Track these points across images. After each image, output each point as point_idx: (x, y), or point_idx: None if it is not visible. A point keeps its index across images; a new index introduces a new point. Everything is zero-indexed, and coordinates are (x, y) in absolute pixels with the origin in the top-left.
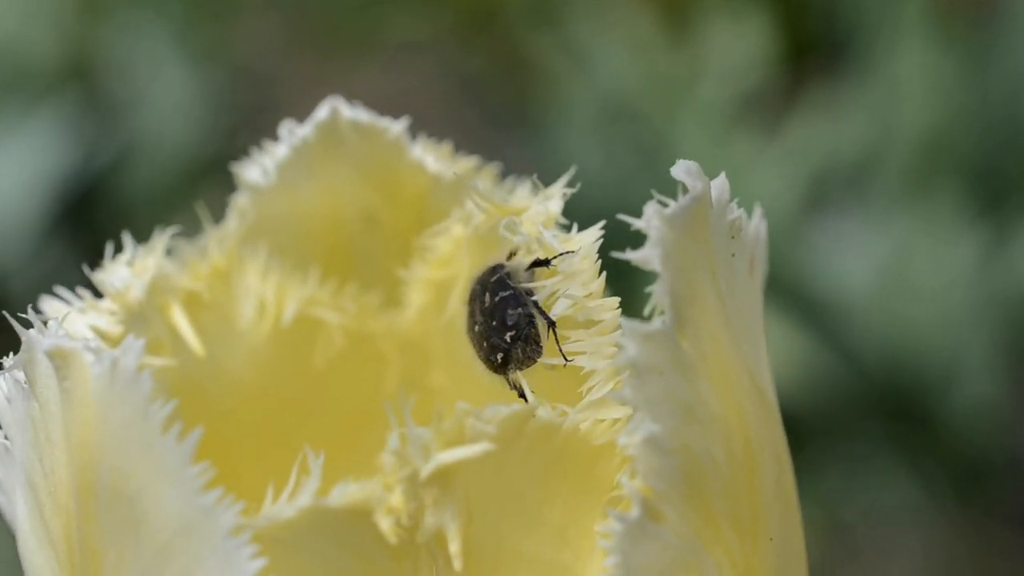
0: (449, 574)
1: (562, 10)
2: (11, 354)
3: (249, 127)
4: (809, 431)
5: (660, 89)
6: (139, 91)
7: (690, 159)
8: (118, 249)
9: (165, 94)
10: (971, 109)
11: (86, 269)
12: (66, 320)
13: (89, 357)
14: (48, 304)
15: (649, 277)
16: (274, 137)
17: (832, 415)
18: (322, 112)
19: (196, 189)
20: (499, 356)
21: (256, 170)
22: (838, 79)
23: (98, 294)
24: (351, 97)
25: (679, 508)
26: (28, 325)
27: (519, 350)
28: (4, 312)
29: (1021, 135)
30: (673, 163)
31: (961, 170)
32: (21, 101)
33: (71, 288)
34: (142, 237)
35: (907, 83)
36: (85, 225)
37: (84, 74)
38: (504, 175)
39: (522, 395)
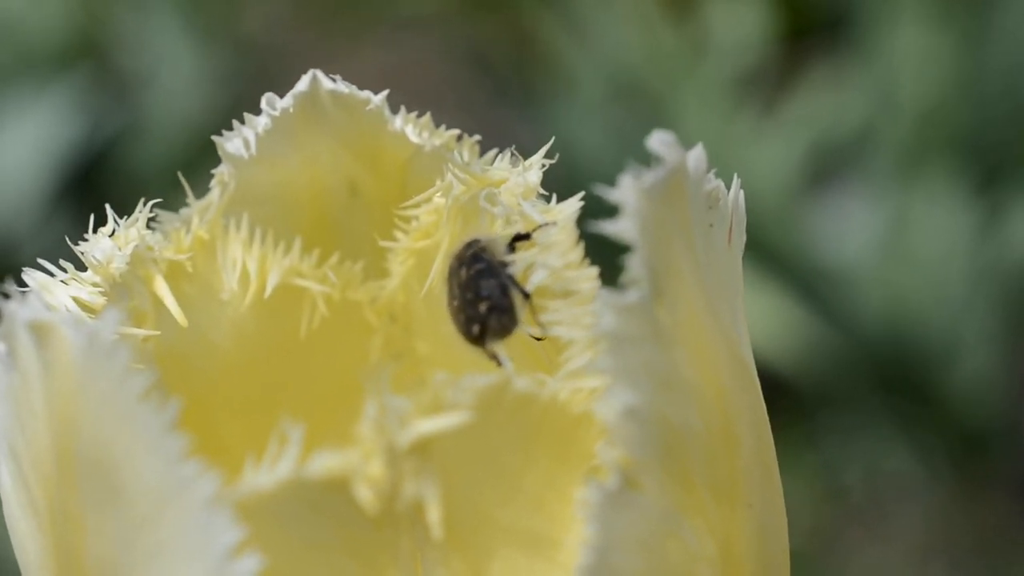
0: (428, 543)
1: None
2: None
3: (255, 102)
4: (809, 402)
5: (663, 65)
6: (146, 67)
7: (692, 135)
8: (103, 223)
9: (172, 70)
10: (968, 85)
11: (81, 243)
12: (48, 292)
13: (68, 329)
14: (32, 276)
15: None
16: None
17: (831, 386)
18: (302, 84)
19: (202, 163)
20: (475, 328)
21: (238, 142)
22: (838, 56)
23: (83, 267)
24: (356, 72)
25: (657, 477)
26: (8, 297)
27: (494, 321)
28: (12, 281)
29: (1017, 110)
30: (677, 138)
31: (958, 144)
32: (31, 78)
33: (77, 260)
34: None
35: (905, 60)
36: (92, 199)
37: (92, 50)
38: (510, 150)
39: (499, 363)
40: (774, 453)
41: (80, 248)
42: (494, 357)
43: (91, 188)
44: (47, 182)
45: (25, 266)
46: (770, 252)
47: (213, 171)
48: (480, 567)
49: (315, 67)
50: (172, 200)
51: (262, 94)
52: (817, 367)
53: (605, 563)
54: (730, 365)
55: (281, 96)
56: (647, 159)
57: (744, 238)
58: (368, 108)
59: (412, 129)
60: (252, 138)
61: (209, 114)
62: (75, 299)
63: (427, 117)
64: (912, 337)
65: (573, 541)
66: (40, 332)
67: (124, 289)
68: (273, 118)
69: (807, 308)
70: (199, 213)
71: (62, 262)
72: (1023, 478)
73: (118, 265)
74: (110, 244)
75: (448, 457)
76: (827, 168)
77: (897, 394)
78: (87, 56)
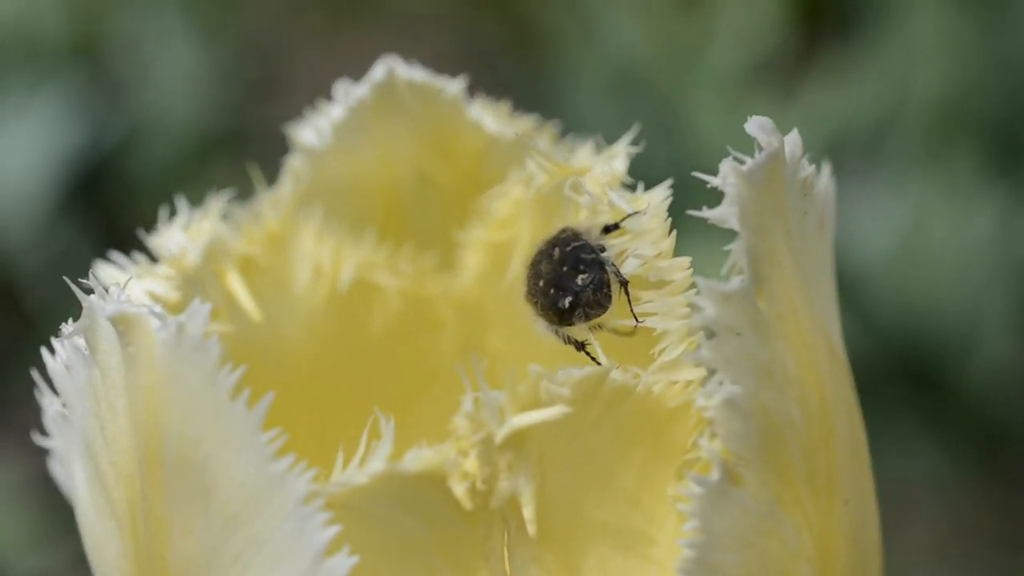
0: (522, 539)
1: None
2: (71, 324)
3: (258, 101)
4: None
5: (673, 56)
6: (147, 67)
7: (704, 126)
8: (129, 227)
9: (173, 70)
10: (987, 70)
11: (140, 236)
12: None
13: (154, 323)
14: (104, 270)
15: (694, 237)
16: (283, 110)
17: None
18: (378, 72)
19: (206, 164)
20: (567, 300)
21: (311, 132)
22: (852, 42)
23: (151, 259)
24: (361, 69)
25: (758, 471)
26: (88, 291)
27: (589, 293)
28: (16, 291)
29: None
30: (687, 130)
31: (978, 133)
32: (29, 79)
33: (84, 267)
34: (155, 212)
35: (922, 45)
36: (95, 203)
37: (92, 51)
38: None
39: (580, 349)
40: (867, 448)
41: (154, 240)
42: (572, 341)
43: (93, 193)
44: (48, 188)
45: (28, 273)
46: None
47: (214, 173)
48: (573, 565)
49: (318, 65)
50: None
51: (264, 93)
52: None
53: (706, 560)
54: (826, 356)
55: (287, 94)
56: (659, 150)
57: (834, 226)
58: (445, 96)
59: (489, 118)
60: (326, 128)
61: (211, 115)
62: (149, 293)
63: (504, 105)
64: (933, 331)
65: (667, 538)
66: (124, 326)
67: (197, 283)
68: (348, 107)
69: None
70: (271, 205)
71: (134, 254)
72: None
73: (192, 258)
74: (184, 236)
75: (543, 452)
76: (844, 158)
77: (918, 389)
78: (86, 57)
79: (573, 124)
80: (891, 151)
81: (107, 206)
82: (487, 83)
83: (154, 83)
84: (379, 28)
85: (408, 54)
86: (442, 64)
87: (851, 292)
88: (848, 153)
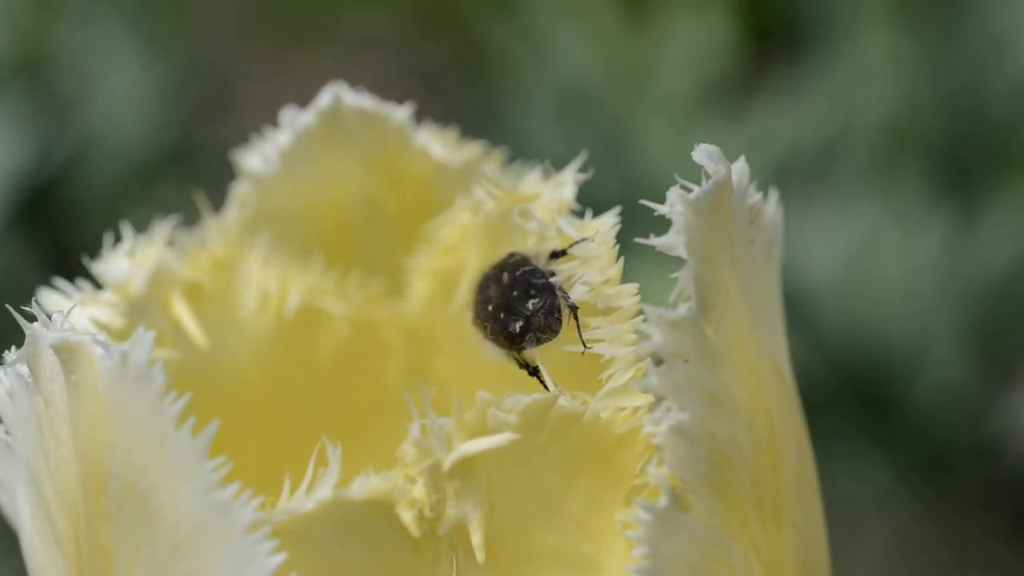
0: (470, 566)
1: (521, 0)
2: (14, 352)
3: (205, 120)
4: None
5: (622, 77)
6: (93, 85)
7: (653, 147)
8: (76, 247)
9: (120, 88)
10: (935, 93)
11: (85, 261)
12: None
13: (98, 351)
14: (48, 296)
15: (645, 260)
16: (231, 130)
17: (799, 401)
18: (324, 98)
19: (153, 183)
20: (518, 325)
21: (257, 158)
22: (801, 64)
23: (95, 285)
24: (309, 90)
25: (707, 497)
26: (31, 318)
27: (540, 318)
28: None
29: (985, 119)
30: (636, 151)
31: (926, 155)
32: None
33: (32, 286)
34: (101, 232)
35: (870, 68)
36: (42, 222)
37: (37, 68)
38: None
39: (533, 373)
40: (815, 473)
41: (98, 267)
42: (525, 365)
43: (39, 211)
44: None
45: None
46: None
47: (161, 191)
48: None
49: (266, 85)
50: (122, 222)
51: (212, 112)
52: None
53: None
54: (774, 381)
55: (234, 113)
56: (608, 172)
57: (782, 253)
58: (392, 123)
59: (437, 144)
60: (272, 154)
61: (158, 133)
62: (93, 320)
63: (453, 131)
64: (880, 351)
65: (615, 564)
66: (67, 354)
67: (142, 310)
68: (294, 133)
69: None
70: (217, 231)
71: (79, 280)
72: (992, 494)
73: (137, 285)
74: (128, 263)
75: (491, 478)
76: (792, 180)
77: (865, 409)
78: (31, 74)
79: (522, 146)
80: (839, 173)
81: (53, 225)
82: (435, 105)
83: (101, 101)
84: (328, 48)
85: (357, 75)
86: (391, 86)
87: (799, 313)
88: (796, 175)
